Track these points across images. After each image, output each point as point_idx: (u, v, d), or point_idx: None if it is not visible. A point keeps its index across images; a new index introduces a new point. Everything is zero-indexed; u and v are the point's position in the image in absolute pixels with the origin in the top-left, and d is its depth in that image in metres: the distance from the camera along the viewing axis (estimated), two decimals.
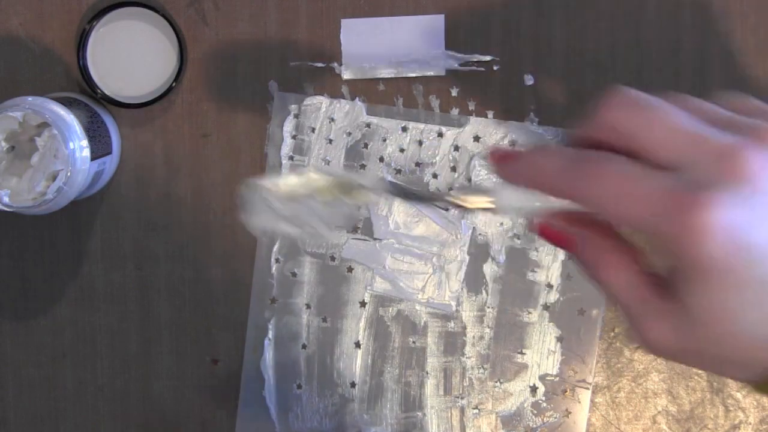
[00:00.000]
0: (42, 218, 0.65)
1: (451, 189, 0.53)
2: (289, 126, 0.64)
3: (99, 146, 0.59)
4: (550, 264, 0.63)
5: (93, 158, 0.58)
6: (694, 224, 0.39)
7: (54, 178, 0.56)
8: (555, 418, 0.64)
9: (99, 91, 0.62)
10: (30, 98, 0.56)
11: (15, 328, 0.65)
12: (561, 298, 0.64)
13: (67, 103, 0.58)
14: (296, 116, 0.64)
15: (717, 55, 0.63)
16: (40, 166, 0.56)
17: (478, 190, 0.46)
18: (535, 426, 0.64)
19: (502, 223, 0.64)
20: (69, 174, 0.56)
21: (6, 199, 0.56)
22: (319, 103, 0.64)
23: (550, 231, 0.46)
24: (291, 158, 0.64)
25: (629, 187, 0.41)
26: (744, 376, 0.42)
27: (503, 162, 0.45)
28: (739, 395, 0.63)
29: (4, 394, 0.66)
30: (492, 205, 0.45)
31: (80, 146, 0.56)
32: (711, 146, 0.40)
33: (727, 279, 0.40)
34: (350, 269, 0.64)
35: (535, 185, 0.44)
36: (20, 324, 0.65)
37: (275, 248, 0.64)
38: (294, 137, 0.64)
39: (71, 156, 0.56)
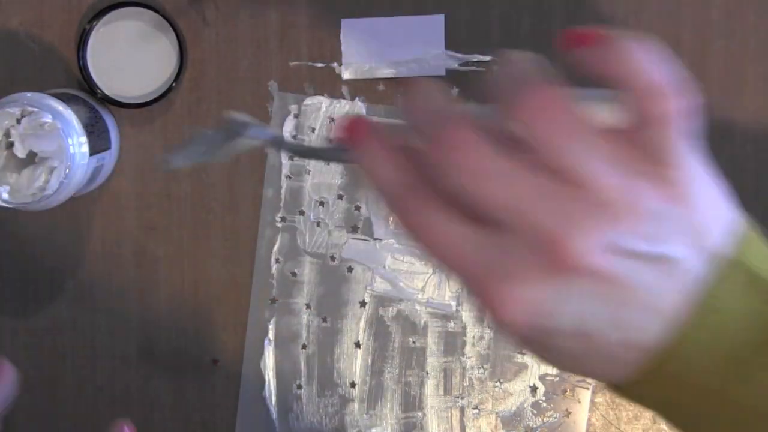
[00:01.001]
0: (42, 219, 0.65)
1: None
2: (289, 126, 0.64)
3: (97, 141, 0.59)
4: None
5: (92, 153, 0.58)
6: (498, 301, 0.34)
7: (53, 173, 0.56)
8: (555, 418, 0.64)
9: (99, 91, 0.62)
10: (28, 94, 0.56)
11: (15, 328, 0.65)
12: None
13: (65, 99, 0.58)
14: (296, 116, 0.64)
15: (717, 55, 0.63)
16: (39, 161, 0.56)
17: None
18: (535, 426, 0.64)
19: None
20: (68, 169, 0.56)
21: (5, 195, 0.56)
22: (319, 103, 0.64)
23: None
24: (291, 158, 0.64)
25: (447, 245, 0.35)
26: (602, 378, 0.37)
27: (352, 134, 0.38)
28: None
29: None
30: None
31: (79, 142, 0.56)
32: (531, 223, 0.33)
33: (530, 346, 0.36)
34: (350, 269, 0.64)
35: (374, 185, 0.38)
36: (20, 324, 0.65)
37: (275, 248, 0.64)
38: (294, 137, 0.64)
39: (70, 152, 0.56)
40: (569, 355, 0.35)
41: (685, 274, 0.34)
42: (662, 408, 0.36)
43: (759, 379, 0.34)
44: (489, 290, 0.34)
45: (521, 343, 0.36)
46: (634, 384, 0.35)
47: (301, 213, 0.64)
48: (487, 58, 0.63)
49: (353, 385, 0.65)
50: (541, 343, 0.35)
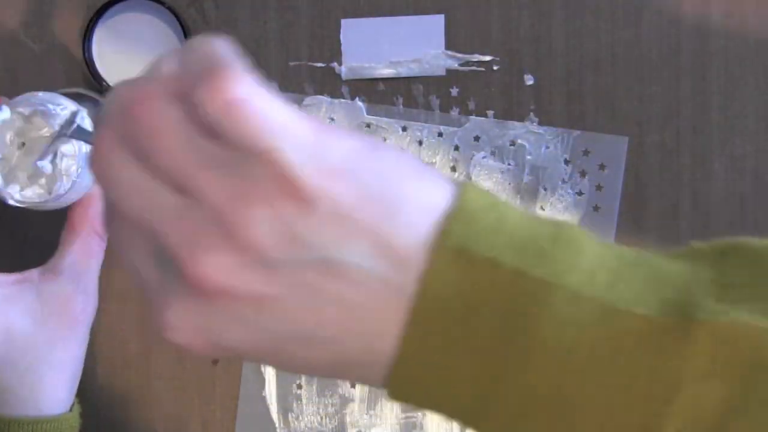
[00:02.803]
0: (42, 219, 0.65)
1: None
2: None
3: None
4: None
5: None
6: (160, 327, 0.34)
7: (65, 173, 0.56)
8: None
9: (104, 83, 0.62)
10: (40, 94, 0.56)
11: None
12: None
13: (76, 98, 0.58)
14: None
15: (717, 55, 0.63)
16: (52, 161, 0.56)
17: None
18: None
19: None
20: (80, 169, 0.56)
21: (17, 195, 0.56)
22: (319, 103, 0.64)
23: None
24: None
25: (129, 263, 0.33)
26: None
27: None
28: None
29: None
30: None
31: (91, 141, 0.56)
32: (166, 247, 0.31)
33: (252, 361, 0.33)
34: None
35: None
36: None
37: None
38: None
39: (82, 150, 0.56)
40: (296, 366, 0.33)
41: (365, 273, 0.30)
42: (442, 409, 0.33)
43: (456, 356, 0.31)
44: (155, 317, 0.33)
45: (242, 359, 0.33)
46: (395, 385, 0.32)
47: None
48: (487, 58, 0.63)
49: (353, 385, 0.65)
50: (249, 357, 0.33)
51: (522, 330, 0.30)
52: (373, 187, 0.30)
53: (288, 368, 0.33)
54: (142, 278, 0.32)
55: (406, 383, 0.32)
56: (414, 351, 0.31)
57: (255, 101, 0.32)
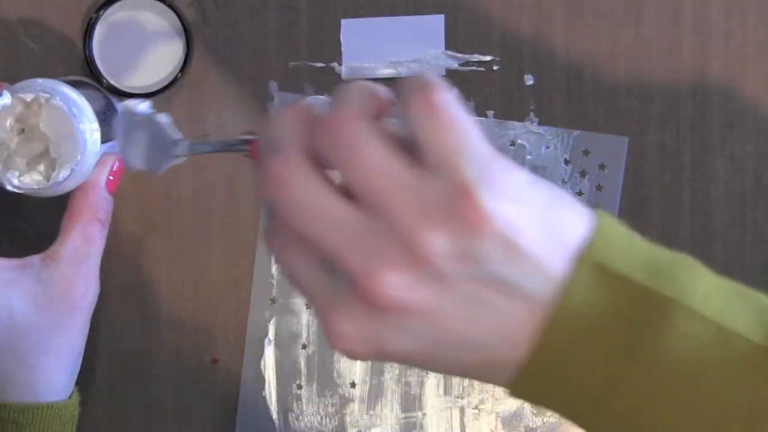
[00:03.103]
0: (42, 217, 0.65)
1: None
2: None
3: (109, 129, 0.59)
4: None
5: (103, 141, 0.58)
6: (333, 342, 0.35)
7: (64, 160, 0.56)
8: (555, 418, 0.64)
9: (105, 81, 0.62)
10: (40, 80, 0.56)
11: None
12: None
13: (77, 85, 0.58)
14: None
15: (717, 55, 0.63)
16: (51, 148, 0.56)
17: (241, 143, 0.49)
18: (535, 426, 0.64)
19: None
20: (80, 156, 0.56)
21: (15, 181, 0.56)
22: (319, 103, 0.64)
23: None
24: None
25: (297, 276, 0.36)
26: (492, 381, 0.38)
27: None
28: None
29: None
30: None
31: (91, 128, 0.56)
32: (347, 263, 0.34)
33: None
34: None
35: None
36: None
37: None
38: None
39: (82, 138, 0.56)
40: (443, 368, 0.37)
41: (521, 288, 0.34)
42: (559, 407, 0.37)
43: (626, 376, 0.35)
44: (324, 325, 0.35)
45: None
46: (520, 386, 0.36)
47: None
48: (487, 58, 0.63)
49: (353, 385, 0.65)
50: (405, 362, 0.36)
51: (647, 341, 0.34)
52: (537, 214, 0.34)
53: (434, 369, 0.37)
54: (308, 288, 0.35)
55: (531, 385, 0.36)
56: (544, 356, 0.35)
57: (456, 109, 0.37)
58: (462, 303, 0.34)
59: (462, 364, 0.36)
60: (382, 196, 0.33)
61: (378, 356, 0.35)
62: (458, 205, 0.33)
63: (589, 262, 0.35)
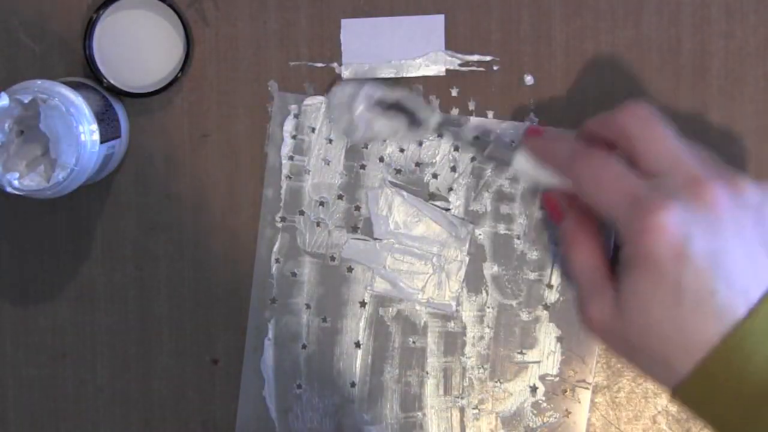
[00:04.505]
0: (42, 218, 0.65)
1: (486, 147, 0.62)
2: (289, 126, 0.64)
3: (108, 130, 0.59)
4: (550, 264, 0.64)
5: (102, 141, 0.58)
6: (650, 222, 0.46)
7: (63, 161, 0.56)
8: (555, 418, 0.64)
9: (105, 80, 0.62)
10: (39, 81, 0.56)
11: (15, 328, 0.65)
12: (561, 298, 0.64)
13: (75, 86, 0.58)
14: (296, 116, 0.64)
15: (717, 55, 0.63)
16: (50, 149, 0.56)
17: (506, 151, 0.60)
18: (535, 426, 0.64)
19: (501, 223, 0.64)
20: (79, 157, 0.56)
21: (15, 183, 0.56)
22: (319, 103, 0.64)
23: (550, 200, 0.58)
24: (291, 158, 0.64)
25: (609, 179, 0.49)
26: (663, 380, 0.49)
27: (532, 135, 0.57)
28: None
29: (4, 394, 0.66)
30: (510, 163, 0.58)
31: (90, 129, 0.56)
32: (688, 170, 0.48)
33: (658, 275, 0.46)
34: (350, 269, 0.64)
35: (547, 161, 0.55)
36: (20, 324, 0.65)
37: (275, 248, 0.64)
38: (294, 137, 0.64)
39: (81, 139, 0.56)
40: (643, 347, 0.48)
41: (726, 296, 0.46)
42: (718, 416, 0.46)
43: None
44: (643, 215, 0.47)
45: (609, 339, 0.51)
46: (692, 387, 0.46)
47: (301, 213, 0.64)
48: (487, 58, 0.63)
49: (353, 385, 0.65)
50: (630, 337, 0.48)
51: None
52: (751, 232, 0.48)
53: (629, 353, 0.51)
54: (618, 185, 0.50)
55: (691, 395, 0.47)
56: (706, 372, 0.46)
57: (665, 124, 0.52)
58: (692, 276, 0.46)
59: (656, 350, 0.47)
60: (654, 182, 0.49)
61: (675, 253, 0.47)
62: (697, 188, 0.47)
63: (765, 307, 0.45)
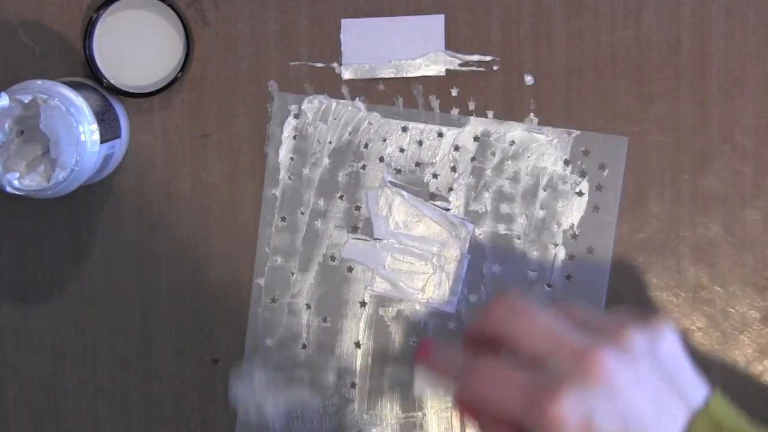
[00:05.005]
0: (42, 218, 0.65)
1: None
2: (289, 126, 0.64)
3: (108, 130, 0.59)
4: (550, 264, 0.63)
5: (102, 141, 0.58)
6: (549, 415, 0.46)
7: (63, 161, 0.56)
8: None
9: (105, 80, 0.62)
10: (39, 81, 0.56)
11: (15, 328, 0.65)
12: (561, 298, 0.64)
13: (75, 86, 0.58)
14: (296, 116, 0.64)
15: (717, 55, 0.63)
16: (50, 149, 0.56)
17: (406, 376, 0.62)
18: None
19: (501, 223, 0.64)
20: (79, 157, 0.56)
21: (16, 183, 0.56)
22: (319, 103, 0.64)
23: (463, 404, 0.54)
24: (291, 158, 0.64)
25: (500, 382, 0.49)
26: None
27: (422, 354, 0.56)
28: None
29: (4, 394, 0.66)
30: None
31: (90, 129, 0.56)
32: (569, 346, 0.48)
33: None
34: (350, 269, 0.64)
35: (441, 377, 0.55)
36: (20, 324, 0.65)
37: (275, 248, 0.64)
38: (294, 137, 0.64)
39: (81, 139, 0.56)
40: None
41: (672, 415, 0.47)
42: None
43: None
44: (541, 409, 0.46)
45: None
46: None
47: (302, 213, 0.64)
48: (487, 58, 0.63)
49: (353, 385, 0.65)
50: None
51: None
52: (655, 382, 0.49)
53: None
54: (508, 387, 0.49)
55: None
56: None
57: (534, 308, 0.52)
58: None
59: None
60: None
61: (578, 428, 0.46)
62: (583, 363, 0.47)
63: (706, 419, 0.47)
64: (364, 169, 0.64)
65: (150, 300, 0.65)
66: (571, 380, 0.46)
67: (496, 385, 0.49)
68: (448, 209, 0.64)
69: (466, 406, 0.54)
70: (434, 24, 0.63)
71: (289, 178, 0.64)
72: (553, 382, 0.47)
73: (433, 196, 0.64)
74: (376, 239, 0.64)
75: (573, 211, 0.63)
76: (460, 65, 0.63)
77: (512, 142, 0.63)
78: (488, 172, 0.64)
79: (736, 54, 0.63)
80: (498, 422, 0.51)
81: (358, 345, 0.64)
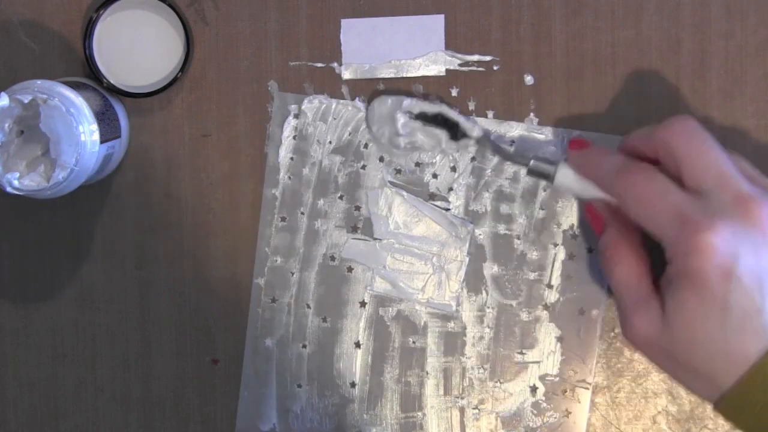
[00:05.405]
0: (42, 218, 0.65)
1: (532, 156, 0.60)
2: (289, 126, 0.64)
3: (108, 129, 0.59)
4: (550, 264, 0.63)
5: (102, 141, 0.58)
6: (699, 242, 0.47)
7: (63, 161, 0.56)
8: (555, 418, 0.64)
9: (105, 80, 0.62)
10: (39, 81, 0.56)
11: (15, 328, 0.65)
12: (561, 298, 0.64)
13: (75, 86, 0.58)
14: (296, 116, 0.64)
15: (717, 55, 0.63)
16: (50, 149, 0.56)
17: (548, 162, 0.59)
18: (535, 426, 0.64)
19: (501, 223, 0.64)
20: (79, 157, 0.56)
21: (15, 183, 0.56)
22: (319, 103, 0.64)
23: (592, 210, 0.57)
24: (291, 158, 0.64)
25: (655, 196, 0.50)
26: (705, 394, 0.50)
27: (575, 147, 0.57)
28: None
29: (4, 394, 0.66)
30: (552, 178, 0.59)
31: (90, 129, 0.56)
32: (735, 188, 0.49)
33: (705, 294, 0.47)
34: (350, 269, 0.64)
35: (590, 176, 0.55)
36: (20, 324, 0.65)
37: (275, 248, 0.64)
38: (294, 137, 0.64)
39: (81, 139, 0.56)
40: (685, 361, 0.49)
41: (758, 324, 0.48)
42: (759, 429, 0.48)
43: None
44: (689, 234, 0.47)
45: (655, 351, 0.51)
46: (733, 401, 0.48)
47: (301, 213, 0.64)
48: (487, 58, 0.63)
49: (353, 385, 0.65)
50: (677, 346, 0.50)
51: None
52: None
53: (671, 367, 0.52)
54: (664, 202, 0.50)
55: (732, 408, 0.49)
56: (748, 387, 0.48)
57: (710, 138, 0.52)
58: (732, 296, 0.47)
59: (694, 364, 0.49)
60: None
61: (723, 272, 0.48)
62: (744, 207, 0.48)
63: None
64: (364, 169, 0.64)
65: (150, 300, 0.65)
66: (728, 219, 0.47)
67: (653, 194, 0.50)
68: (448, 209, 0.64)
69: (596, 215, 0.56)
70: (434, 24, 0.63)
71: (289, 178, 0.64)
72: (711, 213, 0.48)
73: (433, 196, 0.64)
74: (376, 239, 0.64)
75: (573, 211, 0.63)
76: (460, 65, 0.63)
77: (512, 142, 0.63)
78: (488, 172, 0.64)
79: (736, 54, 0.63)
80: (626, 239, 0.53)
81: (358, 345, 0.64)
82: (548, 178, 0.59)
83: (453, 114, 0.62)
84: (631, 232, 0.55)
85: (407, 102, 0.62)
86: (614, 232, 0.55)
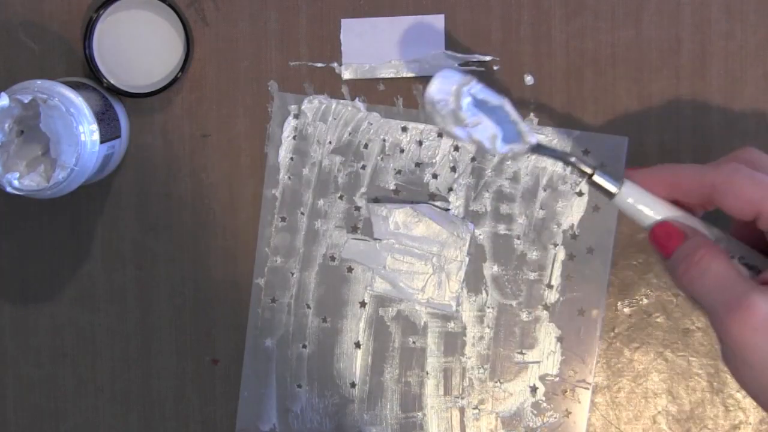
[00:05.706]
0: (42, 218, 0.65)
1: (594, 168, 0.55)
2: (289, 126, 0.64)
3: (108, 129, 0.59)
4: (550, 264, 0.63)
5: (102, 141, 0.58)
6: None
7: (63, 161, 0.56)
8: (555, 418, 0.64)
9: (105, 80, 0.62)
10: (39, 81, 0.56)
11: (15, 328, 0.65)
12: (561, 298, 0.64)
13: (75, 86, 0.58)
14: (296, 116, 0.64)
15: (717, 55, 0.63)
16: (50, 149, 0.56)
17: (612, 177, 0.54)
18: (535, 426, 0.64)
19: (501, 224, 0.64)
20: (79, 157, 0.56)
21: (15, 183, 0.56)
22: (319, 103, 0.64)
23: (669, 227, 0.53)
24: (291, 158, 0.64)
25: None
26: None
27: (635, 168, 0.55)
28: (739, 395, 0.63)
29: (4, 394, 0.66)
30: (615, 192, 0.54)
31: (90, 129, 0.56)
32: None
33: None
34: (350, 269, 0.64)
35: (668, 190, 0.53)
36: (20, 324, 0.65)
37: (275, 248, 0.64)
38: (294, 137, 0.64)
39: (81, 139, 0.56)
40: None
41: None
42: None
43: None
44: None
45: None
46: None
47: (301, 213, 0.64)
48: (487, 58, 0.63)
49: (353, 385, 0.65)
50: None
51: None
52: None
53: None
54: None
55: None
56: None
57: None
58: None
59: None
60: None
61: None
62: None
63: None
64: (363, 169, 0.64)
65: (150, 300, 0.65)
66: None
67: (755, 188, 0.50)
68: (448, 209, 0.64)
69: (672, 231, 0.53)
70: (434, 24, 0.63)
71: (289, 178, 0.64)
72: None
73: (433, 196, 0.64)
74: (376, 239, 0.64)
75: (573, 211, 0.63)
76: (460, 65, 0.63)
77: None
78: (488, 172, 0.64)
79: (736, 54, 0.63)
80: (711, 243, 0.51)
81: (358, 345, 0.64)
82: (607, 193, 0.55)
83: (514, 113, 0.56)
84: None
85: (474, 83, 0.56)
86: (698, 238, 0.52)
